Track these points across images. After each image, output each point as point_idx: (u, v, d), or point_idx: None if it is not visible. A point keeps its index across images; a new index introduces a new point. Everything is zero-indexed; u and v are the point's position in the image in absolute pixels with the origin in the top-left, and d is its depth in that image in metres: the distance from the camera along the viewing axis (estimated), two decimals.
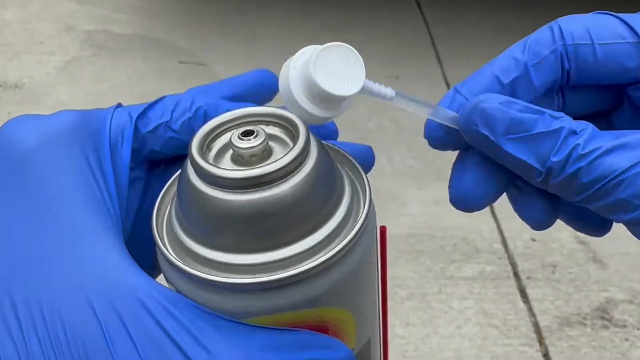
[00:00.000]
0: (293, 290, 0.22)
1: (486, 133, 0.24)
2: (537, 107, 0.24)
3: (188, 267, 0.22)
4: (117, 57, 1.50)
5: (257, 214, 0.22)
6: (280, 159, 0.22)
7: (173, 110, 0.28)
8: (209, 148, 0.24)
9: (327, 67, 0.23)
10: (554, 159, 0.23)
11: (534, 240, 1.08)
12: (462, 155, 0.26)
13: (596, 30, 0.25)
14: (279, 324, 0.23)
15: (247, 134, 0.23)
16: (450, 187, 0.26)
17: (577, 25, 0.25)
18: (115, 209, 0.25)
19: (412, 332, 0.93)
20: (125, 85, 1.40)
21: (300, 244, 0.23)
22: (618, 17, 0.25)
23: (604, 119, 0.28)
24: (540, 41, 0.25)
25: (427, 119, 0.26)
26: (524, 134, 0.24)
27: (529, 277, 1.02)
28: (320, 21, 1.71)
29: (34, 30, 1.58)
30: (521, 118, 0.24)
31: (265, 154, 0.23)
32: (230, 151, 0.24)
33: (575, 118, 0.24)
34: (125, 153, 0.27)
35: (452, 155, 0.27)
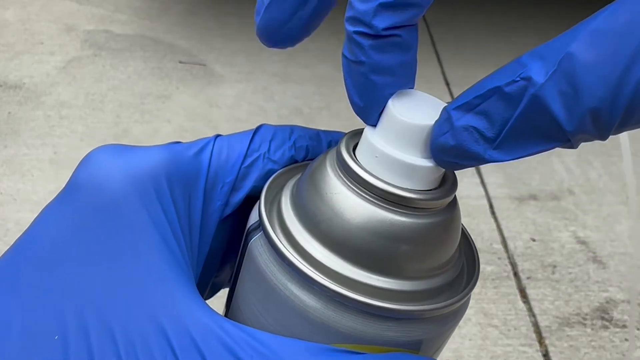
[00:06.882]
0: (412, 326, 0.22)
1: (467, 162, 0.19)
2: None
3: (326, 280, 0.21)
4: (117, 57, 1.50)
5: (407, 237, 0.21)
6: (438, 190, 0.22)
7: (271, 140, 0.26)
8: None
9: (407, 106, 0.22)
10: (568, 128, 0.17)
11: (534, 240, 1.08)
12: None
13: None
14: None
15: None
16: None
17: None
18: (194, 260, 0.24)
19: None
20: (125, 85, 1.40)
21: (424, 282, 0.22)
22: None
23: None
24: None
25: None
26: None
27: (528, 277, 1.02)
28: None
29: (34, 30, 1.58)
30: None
31: None
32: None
33: None
34: (219, 202, 0.25)
35: None
